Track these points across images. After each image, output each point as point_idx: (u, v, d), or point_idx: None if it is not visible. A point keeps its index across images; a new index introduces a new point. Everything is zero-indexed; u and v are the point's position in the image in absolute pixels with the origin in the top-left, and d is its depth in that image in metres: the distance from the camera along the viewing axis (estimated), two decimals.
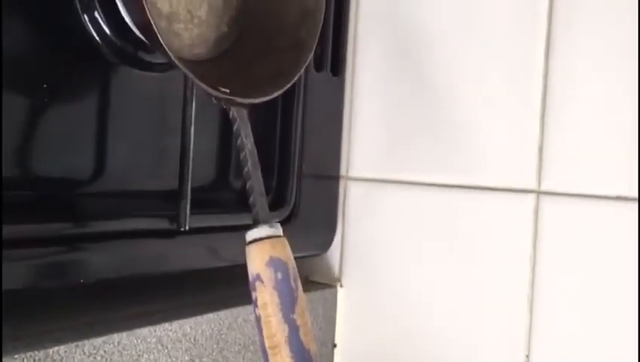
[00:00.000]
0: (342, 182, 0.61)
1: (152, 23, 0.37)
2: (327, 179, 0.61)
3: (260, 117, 0.55)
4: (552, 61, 0.51)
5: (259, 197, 0.40)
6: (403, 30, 0.58)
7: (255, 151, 0.41)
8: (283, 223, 0.42)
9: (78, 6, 0.41)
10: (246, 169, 0.41)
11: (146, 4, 0.37)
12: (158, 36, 0.37)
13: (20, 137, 0.39)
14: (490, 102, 0.53)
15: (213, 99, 0.41)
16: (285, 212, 0.55)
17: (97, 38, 0.42)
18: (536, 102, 0.51)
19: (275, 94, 0.43)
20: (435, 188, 0.56)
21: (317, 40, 0.46)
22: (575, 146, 0.50)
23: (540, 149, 0.51)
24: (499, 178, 0.53)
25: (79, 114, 0.43)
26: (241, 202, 0.42)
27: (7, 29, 0.37)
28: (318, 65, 0.58)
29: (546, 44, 0.51)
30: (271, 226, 0.39)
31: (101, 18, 0.42)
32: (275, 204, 0.54)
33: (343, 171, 0.61)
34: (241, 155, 0.41)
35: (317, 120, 0.58)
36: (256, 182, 0.41)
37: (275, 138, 0.56)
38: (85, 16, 0.42)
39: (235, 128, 0.41)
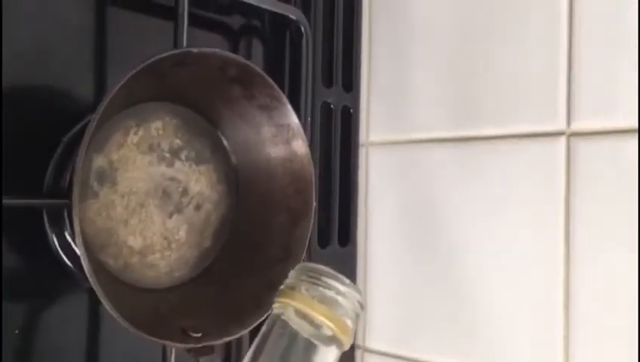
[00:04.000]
0: (358, 353, 0.58)
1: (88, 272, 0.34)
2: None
3: None
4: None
5: None
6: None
7: None
8: None
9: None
10: None
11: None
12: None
13: None
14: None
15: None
16: None
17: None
18: None
19: (254, 324, 0.41)
20: None
21: (305, 250, 0.44)
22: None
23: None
24: None
25: None
26: None
27: None
28: (324, 242, 0.55)
29: None
30: None
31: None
32: None
33: (359, 341, 0.58)
34: None
35: None
36: None
37: None
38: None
39: None
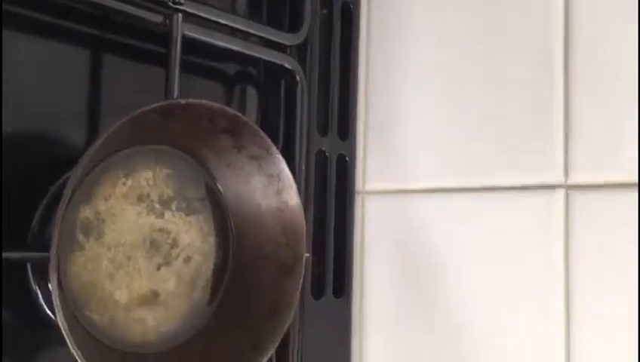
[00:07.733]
0: None
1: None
2: None
3: None
4: None
5: None
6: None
7: None
8: None
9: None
10: None
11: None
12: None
13: None
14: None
15: None
16: None
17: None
18: None
19: None
20: None
21: (294, 308, 0.43)
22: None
23: None
24: None
25: None
26: None
27: None
28: (318, 293, 0.54)
29: None
30: None
31: None
32: None
33: None
34: None
35: (319, 345, 0.54)
36: None
37: None
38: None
39: None
